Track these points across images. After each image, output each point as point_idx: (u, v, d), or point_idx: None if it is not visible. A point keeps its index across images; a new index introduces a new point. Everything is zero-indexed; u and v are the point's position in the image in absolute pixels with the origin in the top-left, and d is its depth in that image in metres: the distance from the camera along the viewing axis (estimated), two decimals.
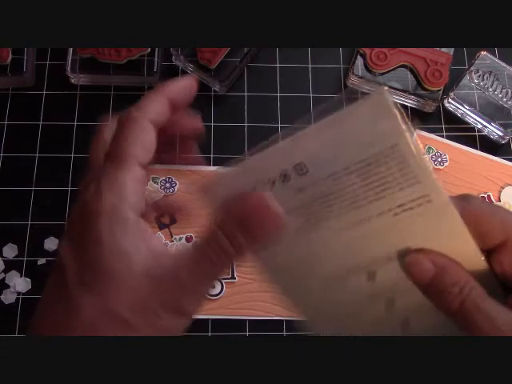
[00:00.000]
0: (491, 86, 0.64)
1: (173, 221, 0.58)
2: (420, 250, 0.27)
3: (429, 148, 0.62)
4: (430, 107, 0.63)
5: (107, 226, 0.24)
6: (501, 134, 0.62)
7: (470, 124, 0.64)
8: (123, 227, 0.25)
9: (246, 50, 0.64)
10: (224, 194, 0.27)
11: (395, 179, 0.25)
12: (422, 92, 0.63)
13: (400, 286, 0.27)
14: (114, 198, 0.25)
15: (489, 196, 0.60)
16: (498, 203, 0.60)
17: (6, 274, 0.56)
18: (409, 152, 0.24)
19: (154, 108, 0.29)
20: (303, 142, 0.26)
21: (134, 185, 0.26)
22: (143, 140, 0.28)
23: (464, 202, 0.27)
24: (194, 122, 0.32)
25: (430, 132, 0.63)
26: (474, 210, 0.27)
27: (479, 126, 0.64)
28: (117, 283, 0.24)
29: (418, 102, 0.63)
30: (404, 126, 0.24)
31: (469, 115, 0.64)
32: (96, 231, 0.24)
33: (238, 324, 0.55)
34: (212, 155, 0.61)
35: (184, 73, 0.64)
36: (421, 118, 0.64)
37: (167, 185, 0.59)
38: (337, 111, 0.25)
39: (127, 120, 0.28)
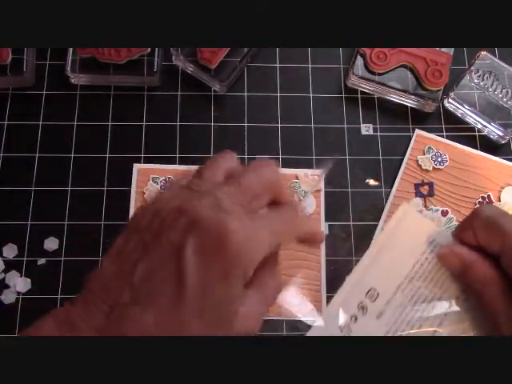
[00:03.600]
0: (491, 85, 0.64)
1: None
2: (450, 246, 0.31)
3: (429, 148, 0.62)
4: (430, 107, 0.63)
5: (236, 266, 0.25)
6: (501, 133, 0.62)
7: (470, 124, 0.64)
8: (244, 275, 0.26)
9: (245, 49, 0.64)
10: None
11: (444, 273, 0.30)
12: (422, 92, 0.63)
13: None
14: (253, 246, 0.26)
15: (489, 196, 0.60)
16: (498, 203, 0.60)
17: (5, 274, 0.56)
18: (446, 239, 0.30)
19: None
20: (365, 271, 0.30)
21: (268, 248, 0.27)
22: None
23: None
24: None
25: (429, 132, 0.63)
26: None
27: (479, 126, 0.64)
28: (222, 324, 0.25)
29: (418, 101, 0.63)
30: (430, 221, 0.31)
31: (469, 115, 0.64)
32: (227, 267, 0.25)
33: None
34: (212, 155, 0.61)
35: (184, 73, 0.64)
36: (421, 118, 0.64)
37: (167, 185, 0.59)
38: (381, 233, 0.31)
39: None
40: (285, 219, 0.29)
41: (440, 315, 0.30)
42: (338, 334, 0.30)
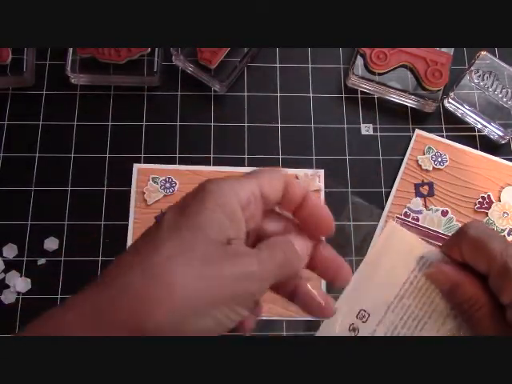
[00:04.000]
0: (491, 86, 0.64)
1: None
2: (438, 264, 0.30)
3: (429, 148, 0.62)
4: (429, 107, 0.63)
5: (212, 201, 0.27)
6: (501, 133, 0.62)
7: (470, 124, 0.64)
8: (229, 216, 0.27)
9: (245, 49, 0.64)
10: None
11: (434, 291, 0.30)
12: (422, 92, 0.63)
13: None
14: (230, 192, 0.27)
15: (489, 196, 0.60)
16: (498, 203, 0.60)
17: (5, 274, 0.56)
18: (435, 256, 0.30)
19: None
20: (355, 292, 0.30)
21: (250, 194, 0.28)
22: (274, 182, 0.30)
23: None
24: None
25: (429, 132, 0.63)
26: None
27: (479, 126, 0.64)
28: (197, 240, 0.26)
29: (418, 101, 0.63)
30: (419, 238, 0.30)
31: (469, 115, 0.64)
32: (202, 202, 0.27)
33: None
34: (212, 155, 0.61)
35: (184, 73, 0.64)
36: (421, 118, 0.64)
37: (167, 185, 0.59)
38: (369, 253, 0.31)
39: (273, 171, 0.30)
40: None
41: (431, 333, 0.30)
42: None
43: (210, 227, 0.26)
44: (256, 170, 0.30)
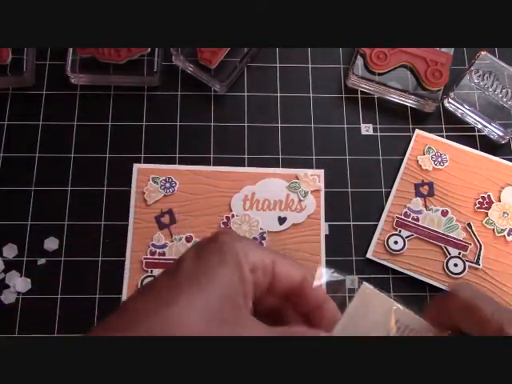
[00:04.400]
0: (491, 86, 0.64)
1: (173, 220, 0.58)
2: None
3: (429, 148, 0.62)
4: (429, 107, 0.63)
5: (225, 259, 0.27)
6: (501, 133, 0.62)
7: (470, 124, 0.64)
8: (236, 271, 0.27)
9: (246, 49, 0.64)
10: None
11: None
12: (422, 92, 0.63)
13: None
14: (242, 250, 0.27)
15: (489, 196, 0.60)
16: (498, 203, 0.60)
17: (5, 274, 0.56)
18: (411, 319, 0.29)
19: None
20: None
21: (260, 262, 0.28)
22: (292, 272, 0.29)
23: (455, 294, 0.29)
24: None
25: (429, 132, 0.63)
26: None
27: (479, 126, 0.64)
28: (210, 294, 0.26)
29: (418, 101, 0.63)
30: (394, 300, 0.30)
31: (469, 115, 0.64)
32: (217, 257, 0.27)
33: None
34: (212, 155, 0.61)
35: (184, 73, 0.64)
36: (421, 118, 0.64)
37: (167, 185, 0.59)
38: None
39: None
40: None
41: None
42: None
43: (227, 284, 0.26)
44: (282, 253, 0.30)
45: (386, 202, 0.60)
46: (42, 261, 0.56)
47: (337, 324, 0.29)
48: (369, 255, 0.58)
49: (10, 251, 0.56)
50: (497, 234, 0.59)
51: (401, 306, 0.30)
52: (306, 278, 0.30)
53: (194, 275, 0.26)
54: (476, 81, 0.64)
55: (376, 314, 0.29)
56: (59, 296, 0.55)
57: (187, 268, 0.26)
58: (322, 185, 0.60)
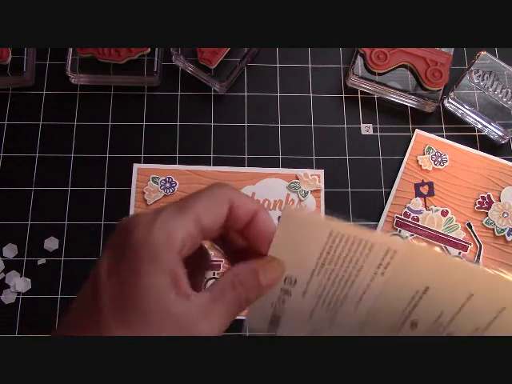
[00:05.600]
0: (491, 86, 0.64)
1: None
2: None
3: (429, 148, 0.62)
4: (429, 107, 0.63)
5: (147, 261, 0.25)
6: (501, 133, 0.62)
7: (470, 124, 0.64)
8: (161, 268, 0.25)
9: (246, 50, 0.64)
10: None
11: (355, 255, 0.28)
12: (422, 92, 0.63)
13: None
14: (162, 237, 0.25)
15: (489, 196, 0.60)
16: (498, 203, 0.60)
17: (5, 274, 0.56)
18: (346, 229, 0.28)
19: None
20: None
21: (186, 235, 0.26)
22: (215, 209, 0.28)
23: None
24: None
25: (429, 132, 0.63)
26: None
27: (479, 126, 0.64)
28: (146, 322, 0.24)
29: (418, 101, 0.63)
30: (322, 216, 0.30)
31: (469, 115, 0.64)
32: (136, 264, 0.25)
33: (238, 324, 0.55)
34: (212, 155, 0.61)
35: (184, 73, 0.64)
36: (421, 118, 0.64)
37: (167, 185, 0.59)
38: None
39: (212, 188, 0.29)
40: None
41: (361, 288, 0.29)
42: (271, 311, 0.31)
43: (153, 292, 0.25)
44: (194, 197, 0.28)
45: (386, 201, 0.60)
46: (42, 261, 0.56)
47: (271, 245, 0.29)
48: None
49: (10, 251, 0.56)
50: (497, 234, 0.59)
51: (334, 219, 0.29)
52: (261, 209, 0.29)
53: (117, 301, 0.25)
54: (476, 81, 0.64)
55: (304, 235, 0.28)
56: (59, 296, 0.55)
57: (106, 293, 0.25)
58: (321, 185, 0.60)
